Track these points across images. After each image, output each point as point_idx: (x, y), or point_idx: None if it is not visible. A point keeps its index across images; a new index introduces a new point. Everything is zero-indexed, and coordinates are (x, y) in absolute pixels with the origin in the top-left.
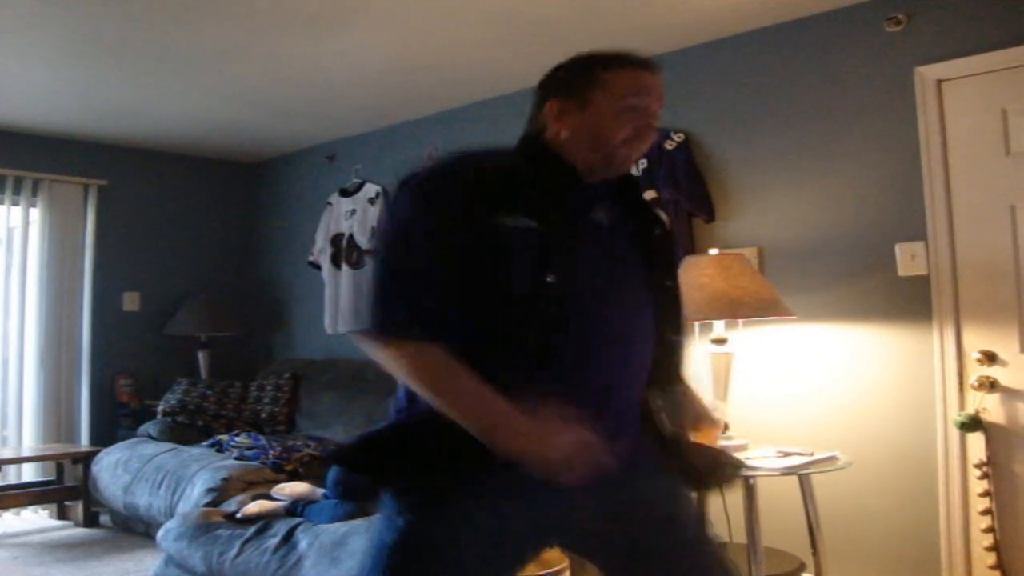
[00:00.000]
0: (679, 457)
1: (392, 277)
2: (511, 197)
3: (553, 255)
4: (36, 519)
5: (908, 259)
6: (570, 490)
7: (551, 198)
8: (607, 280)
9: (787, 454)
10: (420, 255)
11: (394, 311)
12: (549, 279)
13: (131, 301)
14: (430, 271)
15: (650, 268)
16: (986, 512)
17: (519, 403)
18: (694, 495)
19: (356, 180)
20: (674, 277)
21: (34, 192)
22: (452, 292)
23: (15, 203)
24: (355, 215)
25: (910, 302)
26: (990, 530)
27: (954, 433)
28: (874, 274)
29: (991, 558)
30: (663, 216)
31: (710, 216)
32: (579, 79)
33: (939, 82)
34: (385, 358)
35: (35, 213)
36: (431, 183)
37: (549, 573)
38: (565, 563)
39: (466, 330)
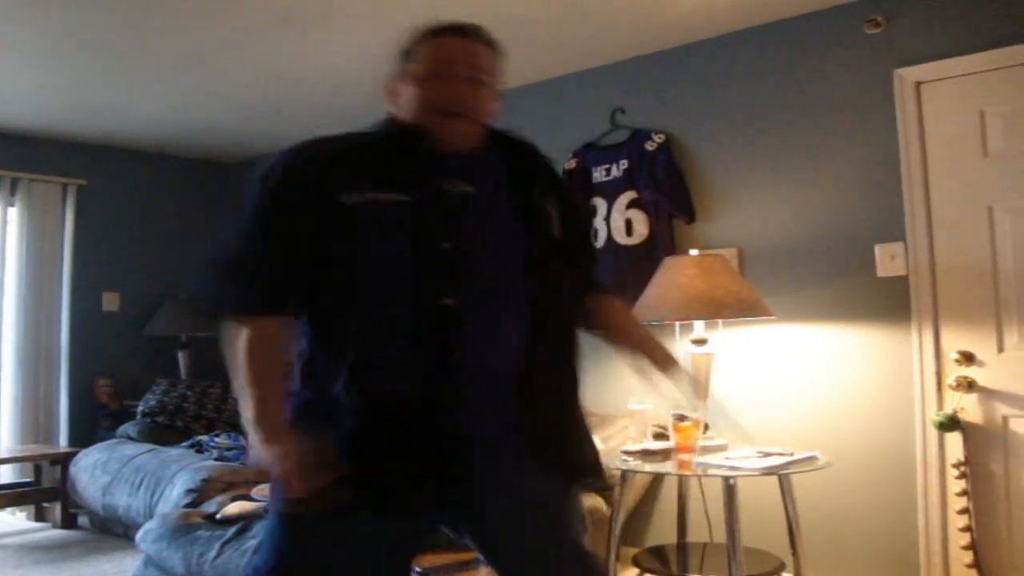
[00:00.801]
0: (553, 450)
1: (231, 256)
2: (363, 172)
3: (410, 226)
4: (13, 521)
5: (887, 260)
6: (419, 504)
7: (405, 168)
8: (467, 256)
9: (767, 454)
10: (256, 236)
11: (233, 287)
12: (402, 252)
13: (110, 301)
14: (265, 251)
15: (532, 238)
16: (964, 511)
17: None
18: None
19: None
20: (560, 257)
21: (12, 191)
22: (298, 271)
23: None
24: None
25: (889, 303)
26: (967, 529)
27: (932, 433)
28: (854, 275)
29: (968, 557)
30: (555, 170)
31: (691, 217)
32: (403, 55)
33: (918, 84)
34: (224, 335)
35: (13, 213)
36: (272, 170)
37: None
38: None
39: (327, 310)
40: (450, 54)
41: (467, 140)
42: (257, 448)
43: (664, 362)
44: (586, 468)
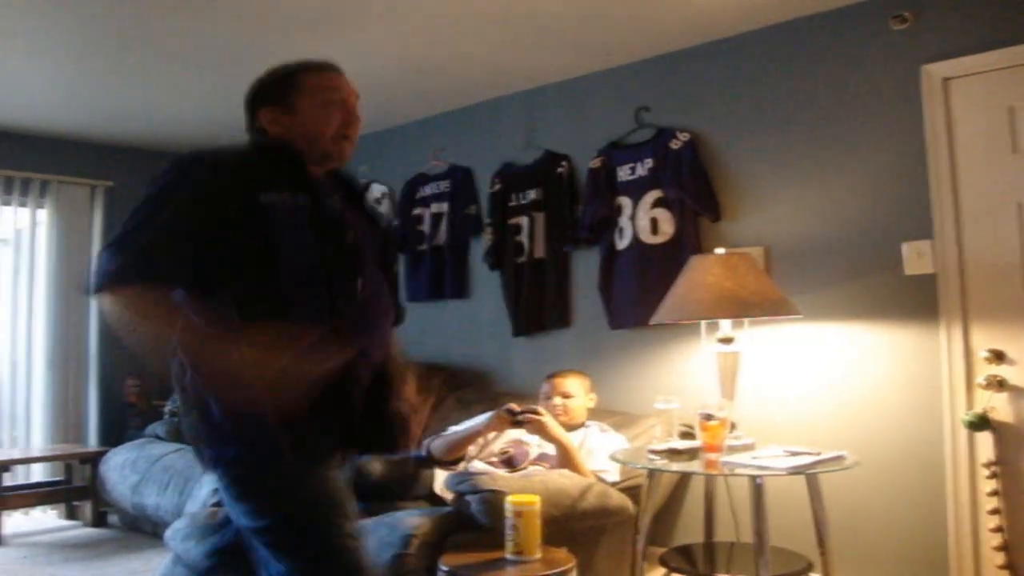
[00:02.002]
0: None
1: (134, 229)
2: (263, 179)
3: (332, 224)
4: (45, 519)
5: (915, 257)
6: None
7: (297, 179)
8: (359, 251)
9: (794, 453)
10: (168, 215)
11: (125, 257)
12: (343, 242)
13: None
14: (166, 221)
15: (383, 254)
16: (995, 512)
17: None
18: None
19: (362, 180)
20: (396, 263)
21: (41, 193)
22: (199, 251)
23: (23, 204)
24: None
25: (917, 301)
26: (999, 530)
27: (962, 432)
28: (880, 273)
29: (1000, 558)
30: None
31: (716, 215)
32: (282, 87)
33: (945, 80)
34: (116, 307)
35: (42, 214)
36: (193, 160)
37: (556, 573)
38: (572, 563)
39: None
40: (340, 86)
41: (347, 159)
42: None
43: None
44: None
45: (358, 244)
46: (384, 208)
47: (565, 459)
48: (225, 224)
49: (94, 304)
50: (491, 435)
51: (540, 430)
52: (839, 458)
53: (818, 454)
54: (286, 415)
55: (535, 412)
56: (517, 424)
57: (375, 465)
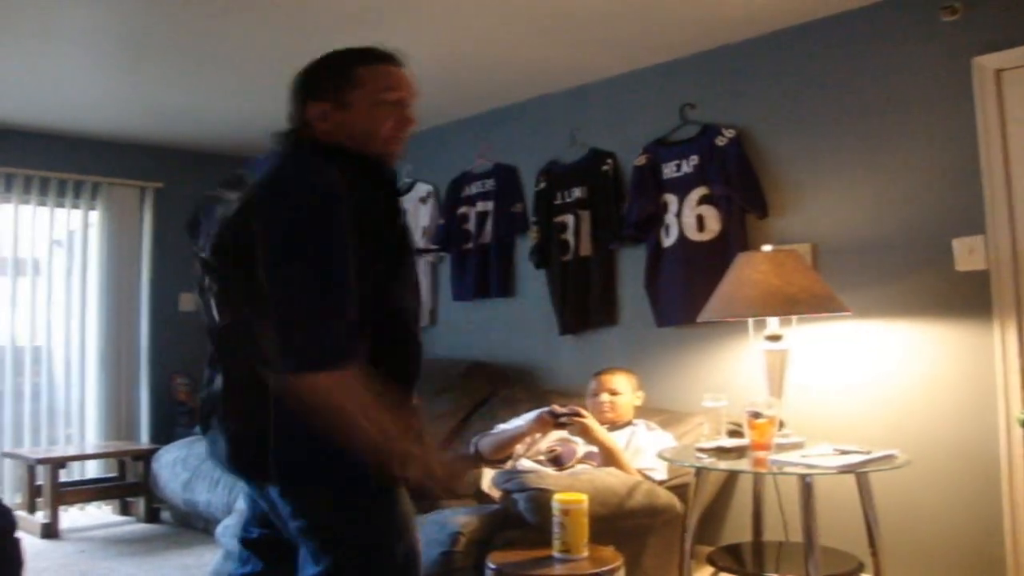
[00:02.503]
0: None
1: (313, 298)
2: (377, 204)
3: (411, 261)
4: (100, 514)
5: (966, 253)
6: None
7: (393, 199)
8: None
9: (844, 452)
10: (338, 267)
11: (326, 337)
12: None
13: (187, 301)
14: (346, 284)
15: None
16: None
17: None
18: None
19: (407, 180)
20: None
21: (93, 195)
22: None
23: (75, 206)
24: (406, 214)
25: (968, 297)
26: None
27: (1017, 431)
28: (931, 269)
29: None
30: None
31: (763, 212)
32: (336, 79)
33: (998, 72)
34: (312, 395)
35: (94, 216)
36: (316, 191)
37: (603, 571)
38: (619, 561)
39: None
40: (397, 82)
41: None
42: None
43: None
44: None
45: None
46: (429, 207)
47: (609, 460)
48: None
49: (144, 304)
50: (537, 434)
51: (583, 432)
52: (890, 457)
53: (868, 453)
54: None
55: (578, 414)
56: (560, 426)
57: None
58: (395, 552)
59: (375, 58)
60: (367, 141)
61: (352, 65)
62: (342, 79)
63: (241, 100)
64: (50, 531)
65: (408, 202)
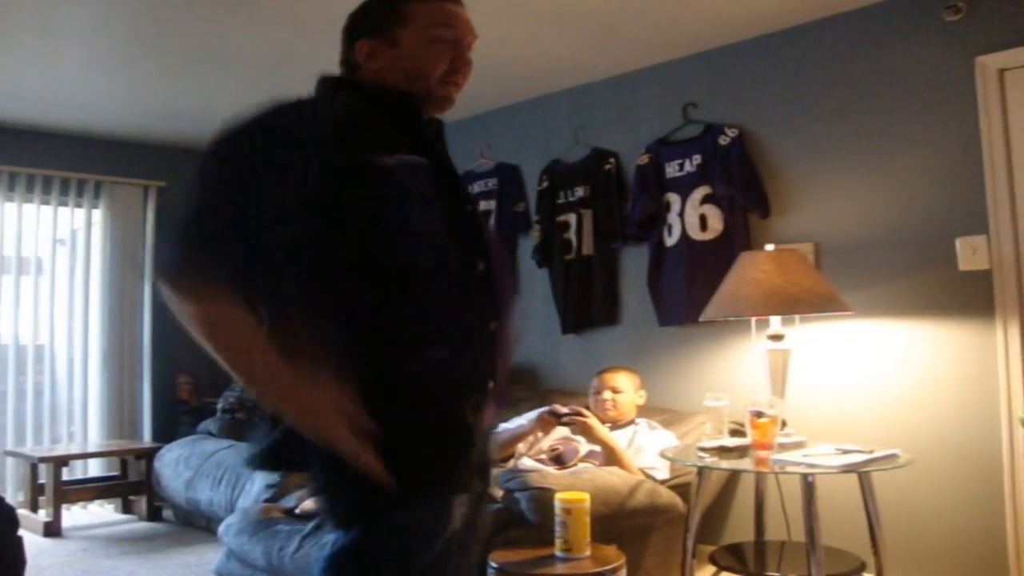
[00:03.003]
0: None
1: (206, 212)
2: (377, 135)
3: (438, 195)
4: (102, 513)
5: (969, 253)
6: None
7: (417, 132)
8: (472, 228)
9: (846, 451)
10: (266, 193)
11: (202, 251)
12: (467, 215)
13: None
14: (273, 214)
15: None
16: None
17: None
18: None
19: None
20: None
21: (96, 194)
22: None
23: (78, 205)
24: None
25: (971, 297)
26: None
27: (1019, 431)
28: (934, 269)
29: None
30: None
31: (765, 211)
32: (385, 16)
33: (1001, 71)
34: (180, 308)
35: (97, 215)
36: (280, 121)
37: (605, 570)
38: (622, 560)
39: (341, 291)
40: (453, 19)
41: (448, 109)
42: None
43: None
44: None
45: (477, 213)
46: None
47: (612, 459)
48: (324, 201)
49: (147, 302)
50: (539, 433)
51: (585, 431)
52: (892, 456)
53: (870, 452)
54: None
55: (580, 413)
56: (562, 425)
57: None
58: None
59: None
60: (416, 81)
61: (401, 1)
62: (391, 13)
63: (243, 98)
64: (52, 529)
65: None
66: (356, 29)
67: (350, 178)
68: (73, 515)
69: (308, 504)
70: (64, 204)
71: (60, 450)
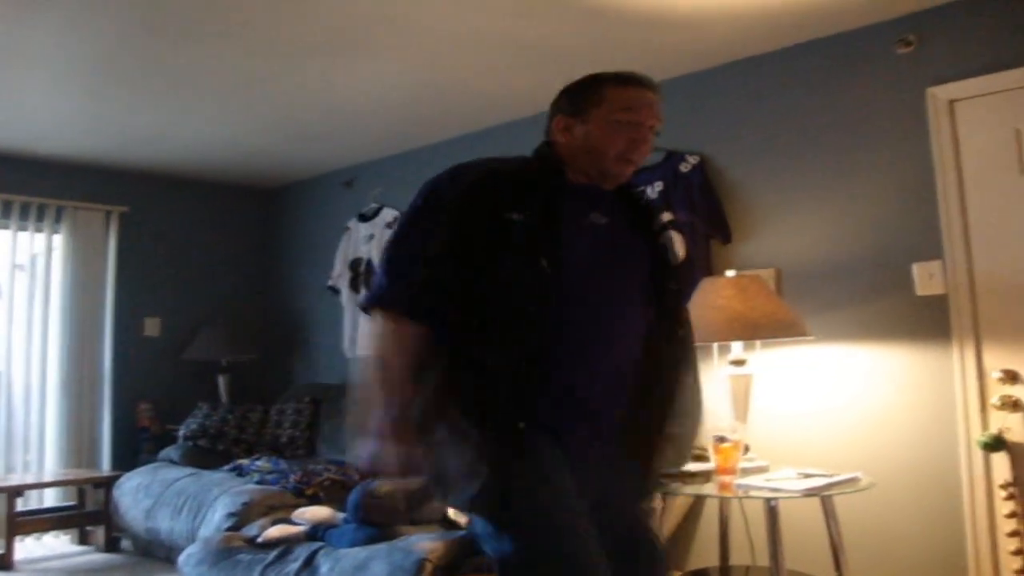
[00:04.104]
0: (642, 475)
1: (394, 256)
2: (513, 195)
3: (540, 244)
4: (58, 544)
5: (926, 278)
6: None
7: (543, 195)
8: (599, 278)
9: (808, 475)
10: (423, 241)
11: (392, 285)
12: (537, 265)
13: (152, 326)
14: (431, 256)
15: (652, 273)
16: (1014, 534)
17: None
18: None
19: (374, 205)
20: (677, 280)
21: (57, 219)
22: (451, 281)
23: (38, 230)
24: (373, 240)
25: (929, 322)
26: (1019, 552)
27: (977, 453)
28: (892, 294)
29: None
30: (671, 228)
31: (727, 237)
32: (583, 96)
33: (951, 102)
34: (371, 330)
35: (58, 240)
36: (441, 181)
37: None
38: None
39: (466, 320)
40: (641, 104)
41: (625, 180)
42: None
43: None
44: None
45: (589, 265)
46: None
47: None
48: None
49: (108, 329)
50: None
51: None
52: (853, 480)
53: (832, 476)
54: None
55: None
56: None
57: (384, 487)
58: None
59: (625, 80)
60: (595, 157)
61: (602, 83)
62: (589, 94)
63: (208, 124)
64: (5, 562)
65: (375, 227)
66: (559, 105)
67: (478, 231)
68: (27, 547)
69: (271, 532)
70: (24, 229)
71: (15, 479)
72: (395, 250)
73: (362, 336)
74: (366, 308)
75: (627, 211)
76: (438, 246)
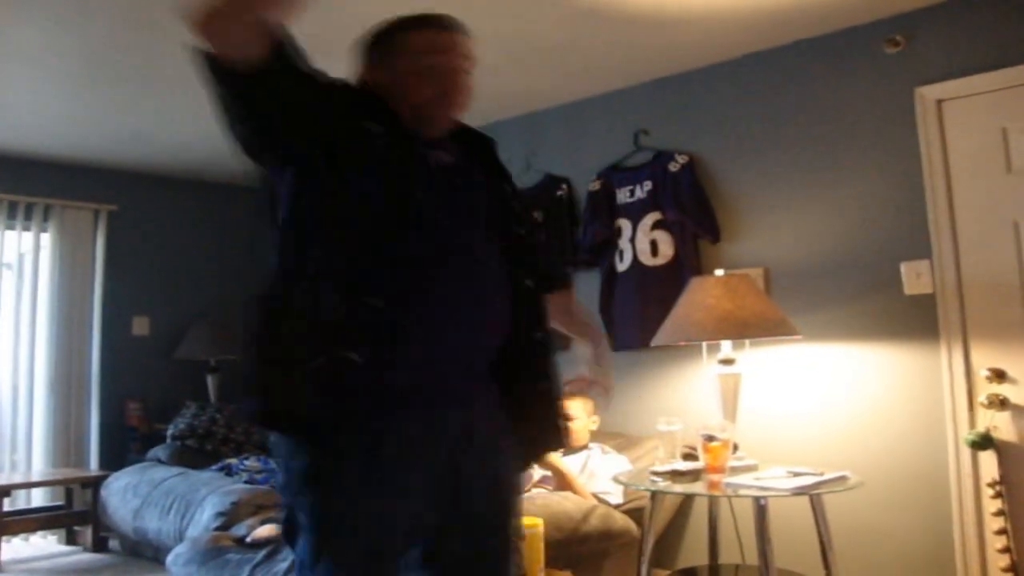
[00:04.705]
0: (526, 421)
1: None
2: (366, 106)
3: (404, 165)
4: (45, 544)
5: (914, 277)
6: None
7: (391, 115)
8: (452, 219)
9: (797, 474)
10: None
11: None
12: (404, 188)
13: (140, 325)
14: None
15: (501, 217)
16: (1001, 532)
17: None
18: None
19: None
20: (525, 225)
21: (45, 217)
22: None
23: (26, 228)
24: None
25: (917, 320)
26: (1006, 550)
27: (965, 452)
28: (880, 293)
29: None
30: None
31: (716, 237)
32: (382, 44)
33: (939, 102)
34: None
35: (46, 238)
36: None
37: None
38: None
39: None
40: (445, 46)
41: (449, 125)
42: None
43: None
44: (548, 441)
45: (441, 204)
46: None
47: (563, 485)
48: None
49: (96, 328)
50: None
51: None
52: (842, 478)
53: (821, 474)
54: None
55: None
56: None
57: None
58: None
59: (423, 23)
60: (404, 104)
61: (397, 30)
62: (387, 44)
63: (196, 123)
64: None
65: None
66: (361, 54)
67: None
68: (14, 548)
69: (260, 532)
70: (12, 228)
71: (2, 479)
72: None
73: None
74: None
75: (470, 153)
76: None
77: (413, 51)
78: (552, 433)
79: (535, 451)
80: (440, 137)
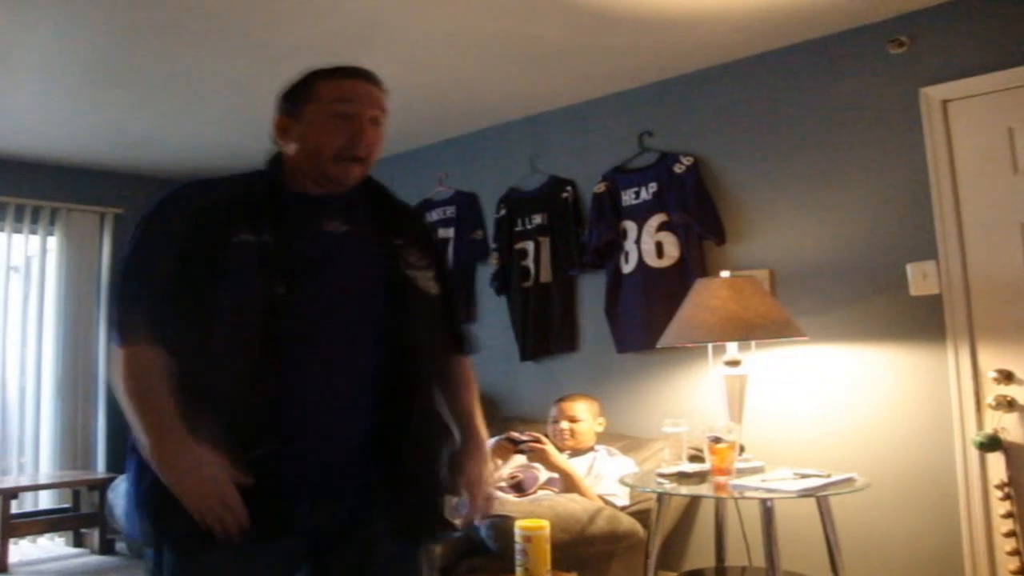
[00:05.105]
0: (406, 502)
1: (122, 288)
2: (241, 216)
3: (272, 267)
4: (52, 546)
5: (920, 278)
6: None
7: (268, 214)
8: (330, 295)
9: (803, 476)
10: (152, 267)
11: (123, 314)
12: (268, 288)
13: None
14: (160, 283)
15: (401, 278)
16: (1010, 534)
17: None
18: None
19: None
20: (425, 301)
21: (52, 221)
22: (179, 311)
23: (33, 232)
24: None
25: (923, 321)
26: (1015, 553)
27: (973, 453)
28: (886, 294)
29: None
30: (421, 220)
31: (721, 239)
32: (297, 93)
33: (944, 102)
34: (112, 364)
35: (52, 242)
36: (153, 214)
37: None
38: None
39: (200, 348)
40: (356, 95)
41: (355, 181)
42: (168, 481)
43: (468, 460)
44: (436, 523)
45: (320, 280)
46: None
47: (569, 487)
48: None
49: (103, 330)
50: (498, 461)
51: (542, 458)
52: (849, 480)
53: (828, 476)
54: None
55: (537, 440)
56: (519, 452)
57: None
58: None
59: (336, 73)
60: (314, 158)
61: (312, 79)
62: (303, 92)
63: (202, 126)
64: None
65: None
66: (277, 107)
67: (196, 258)
68: (22, 550)
69: None
70: (18, 231)
71: (9, 482)
72: (124, 282)
73: (109, 370)
74: (112, 339)
75: (380, 216)
76: (165, 272)
77: (324, 99)
78: (427, 518)
79: (409, 533)
80: (347, 195)
